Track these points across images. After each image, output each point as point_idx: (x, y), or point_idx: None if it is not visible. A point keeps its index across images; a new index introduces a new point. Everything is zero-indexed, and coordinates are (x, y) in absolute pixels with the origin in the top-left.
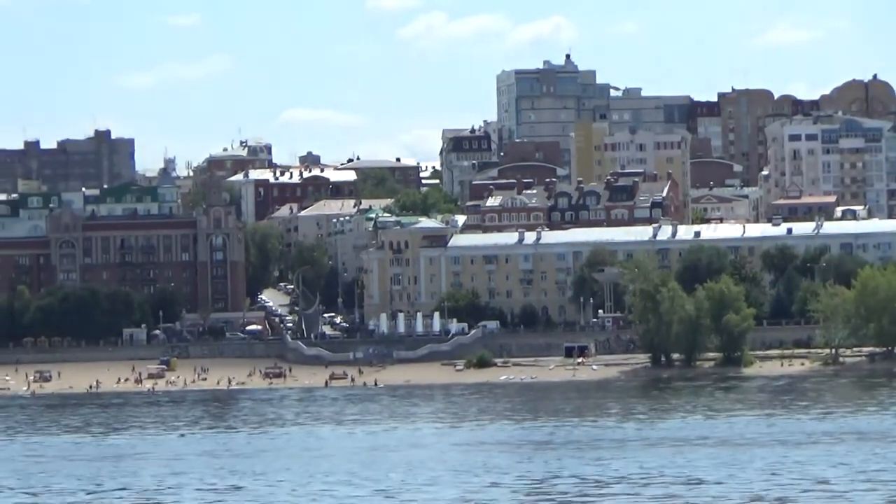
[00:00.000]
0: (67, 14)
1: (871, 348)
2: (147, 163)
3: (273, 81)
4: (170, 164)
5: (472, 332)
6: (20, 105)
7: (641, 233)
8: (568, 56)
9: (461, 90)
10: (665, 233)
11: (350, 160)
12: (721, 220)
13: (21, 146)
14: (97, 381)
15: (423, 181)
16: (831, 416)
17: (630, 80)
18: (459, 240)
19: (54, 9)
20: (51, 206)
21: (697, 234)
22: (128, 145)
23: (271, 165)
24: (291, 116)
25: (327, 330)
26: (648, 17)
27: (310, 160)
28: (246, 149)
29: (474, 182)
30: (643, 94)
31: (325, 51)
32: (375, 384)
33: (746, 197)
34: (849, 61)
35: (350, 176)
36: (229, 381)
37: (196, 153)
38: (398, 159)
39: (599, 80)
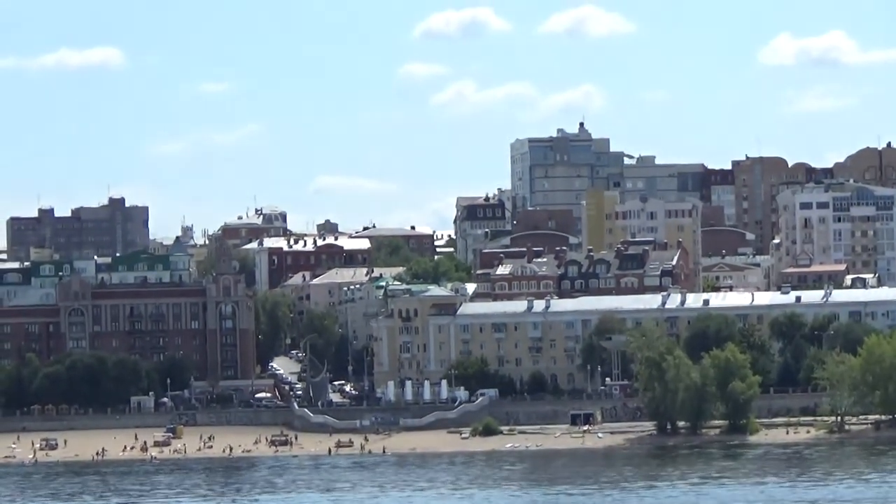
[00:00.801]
0: (99, 81)
1: (877, 416)
2: (170, 230)
3: (304, 149)
4: (187, 231)
5: (479, 399)
6: (36, 173)
7: (650, 301)
8: (582, 124)
9: (488, 158)
10: (674, 301)
11: (366, 228)
12: (731, 288)
13: (35, 213)
14: (102, 449)
15: (438, 249)
16: (813, 484)
17: (654, 146)
18: (469, 308)
19: (83, 75)
20: (61, 274)
21: (706, 302)
22: (142, 213)
23: (286, 233)
24: (323, 183)
25: (336, 398)
26: (678, 85)
27: (327, 228)
28: (261, 217)
29: (484, 250)
30: (657, 161)
31: (356, 118)
32: (384, 452)
33: (759, 265)
34: (863, 129)
35: (364, 244)
36: (230, 449)
37: (222, 221)
38: (413, 227)
39: (615, 147)
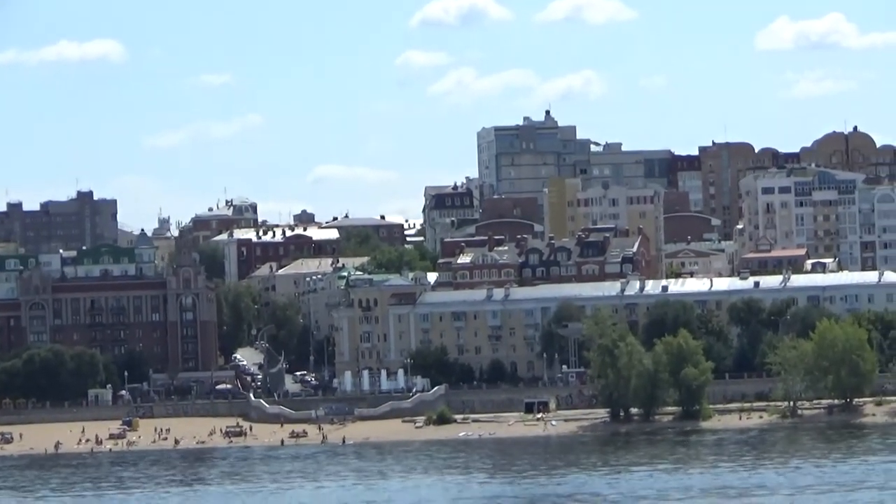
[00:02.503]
0: (99, 74)
1: (829, 401)
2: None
3: (304, 138)
4: (164, 223)
5: (435, 388)
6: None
7: (609, 288)
8: (548, 112)
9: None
10: (633, 288)
11: (335, 218)
12: (692, 274)
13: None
14: (58, 442)
15: (409, 239)
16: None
17: (651, 132)
18: (429, 297)
19: (83, 68)
20: (22, 268)
21: (665, 288)
22: (111, 206)
23: (256, 224)
24: (322, 173)
25: (297, 388)
26: (677, 71)
27: (303, 218)
28: (231, 208)
29: (446, 239)
30: (623, 148)
31: (356, 108)
32: (343, 442)
33: (723, 251)
34: (830, 114)
35: (333, 234)
36: (175, 441)
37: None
38: (382, 217)
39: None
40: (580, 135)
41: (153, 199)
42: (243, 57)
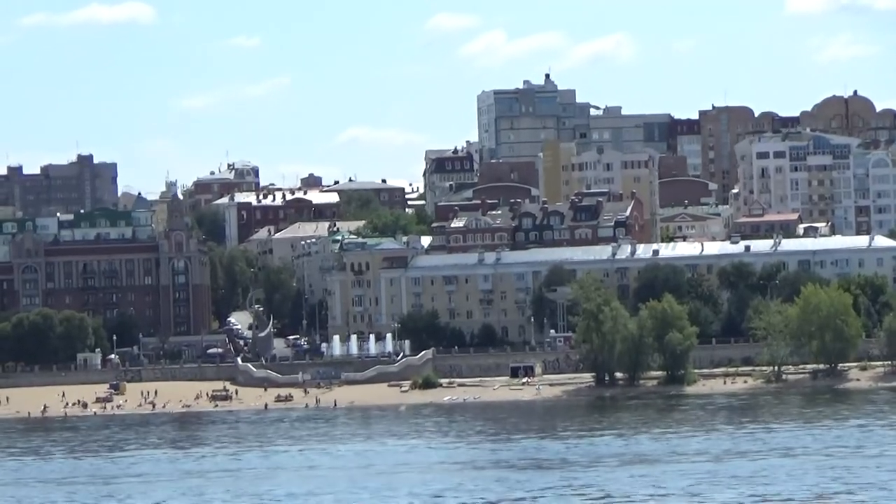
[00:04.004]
0: (130, 36)
1: (814, 365)
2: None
3: (333, 101)
4: (171, 186)
5: (422, 353)
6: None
7: (600, 252)
8: (547, 76)
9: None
10: (624, 252)
11: (336, 182)
12: (684, 238)
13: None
14: (45, 406)
15: (410, 203)
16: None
17: (677, 95)
18: (420, 261)
19: (113, 31)
20: (16, 231)
21: (656, 252)
22: (110, 169)
23: (258, 188)
24: (352, 135)
25: (289, 352)
26: (708, 33)
27: (311, 182)
28: (233, 172)
29: (439, 203)
30: (623, 112)
31: (385, 71)
32: (335, 405)
33: (719, 215)
34: (830, 78)
35: (333, 198)
36: (153, 405)
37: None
38: (384, 181)
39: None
40: (606, 97)
41: (180, 163)
42: (273, 19)
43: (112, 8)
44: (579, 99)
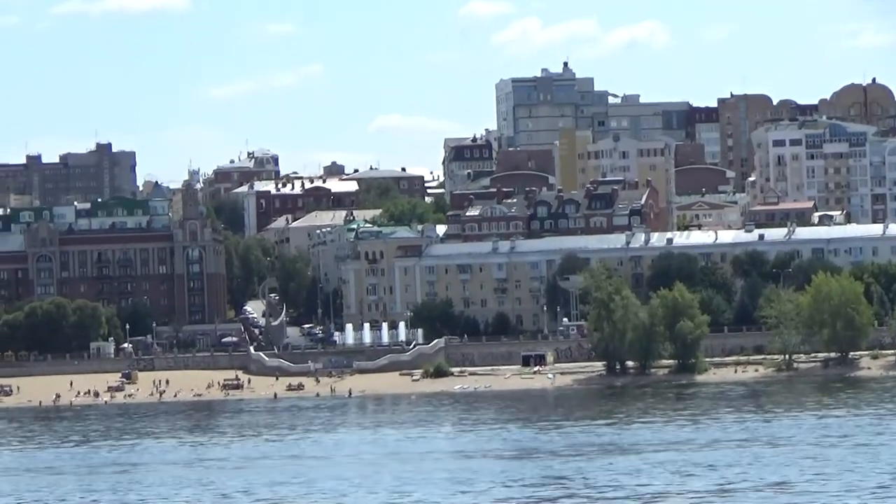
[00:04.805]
0: (163, 24)
1: (825, 354)
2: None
3: (366, 88)
4: (194, 175)
5: (434, 341)
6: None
7: (615, 240)
8: (566, 64)
9: None
10: (638, 240)
11: (356, 171)
12: (699, 227)
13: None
14: (57, 395)
15: (430, 191)
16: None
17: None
18: (434, 249)
19: (146, 18)
20: (30, 221)
21: (670, 241)
22: (129, 158)
23: (277, 177)
24: (384, 123)
25: (303, 341)
26: (742, 20)
27: (333, 170)
28: (253, 160)
29: (455, 192)
30: (641, 100)
31: (418, 58)
32: (350, 394)
33: (736, 203)
34: (849, 66)
35: (353, 187)
36: (160, 393)
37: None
38: (403, 169)
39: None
40: (636, 84)
41: (209, 151)
42: (306, 6)
43: None
44: (612, 86)
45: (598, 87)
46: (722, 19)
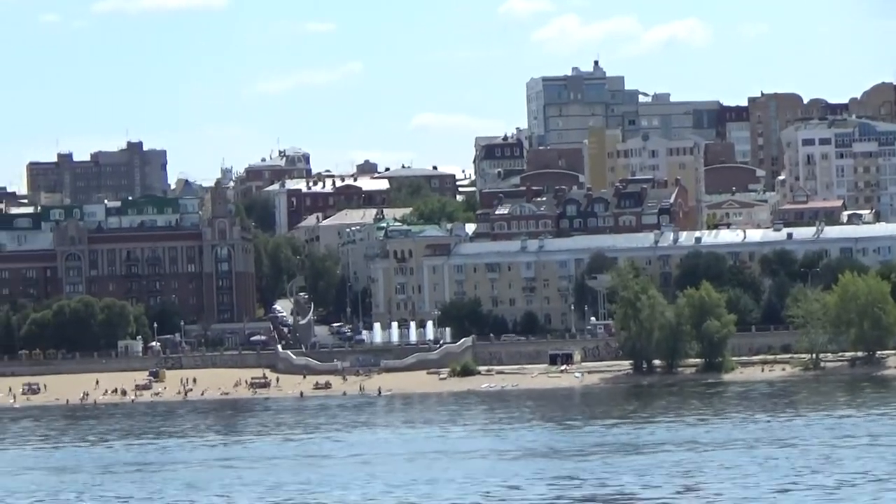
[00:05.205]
0: (201, 22)
1: (852, 353)
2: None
3: (405, 86)
4: (226, 173)
5: (462, 340)
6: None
7: (643, 239)
8: (596, 62)
9: None
10: (667, 239)
11: (387, 168)
12: (728, 226)
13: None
14: (85, 393)
15: (461, 189)
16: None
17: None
18: (463, 248)
19: (185, 16)
20: (60, 219)
21: (698, 240)
22: (160, 156)
23: (308, 175)
24: (423, 121)
25: (332, 340)
26: (778, 18)
27: (366, 168)
28: (284, 158)
29: (484, 190)
30: (672, 99)
31: (457, 55)
32: (379, 393)
33: (766, 202)
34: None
35: (384, 185)
36: (186, 392)
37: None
38: (434, 167)
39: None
40: (674, 82)
41: (246, 149)
42: (347, 5)
43: None
44: (647, 85)
45: (633, 85)
46: (761, 17)
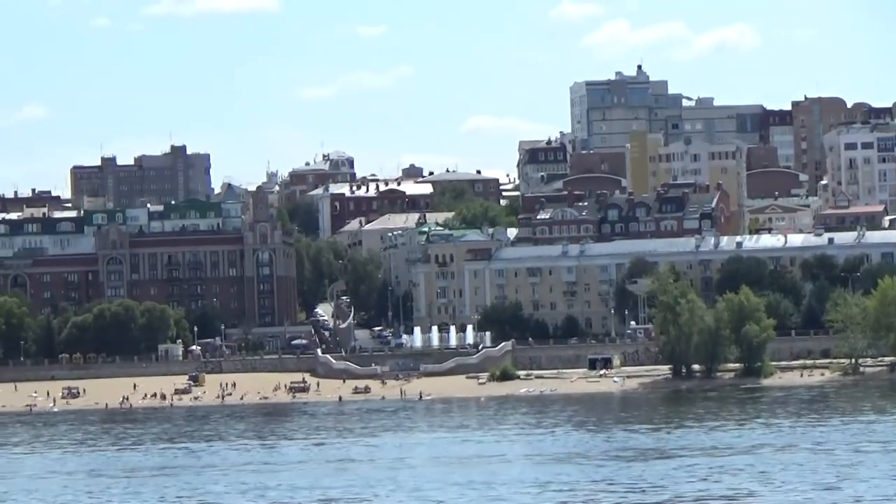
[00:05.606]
0: (253, 25)
1: (892, 358)
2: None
3: (456, 90)
4: (272, 177)
5: (501, 344)
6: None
7: (684, 244)
8: (640, 67)
9: None
10: (708, 244)
11: (431, 173)
12: (769, 230)
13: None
14: (125, 397)
15: (505, 193)
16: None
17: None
18: (504, 253)
19: (237, 20)
20: (102, 223)
21: (739, 244)
22: (203, 160)
23: (352, 179)
24: (475, 125)
25: (373, 344)
26: (826, 22)
27: (412, 172)
28: (328, 162)
29: (527, 195)
30: (719, 103)
31: (508, 59)
32: (421, 397)
33: (809, 206)
34: None
35: (427, 189)
36: (223, 396)
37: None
38: (478, 171)
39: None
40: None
41: (293, 151)
42: (398, 8)
43: None
44: (693, 89)
45: (682, 90)
46: (809, 21)
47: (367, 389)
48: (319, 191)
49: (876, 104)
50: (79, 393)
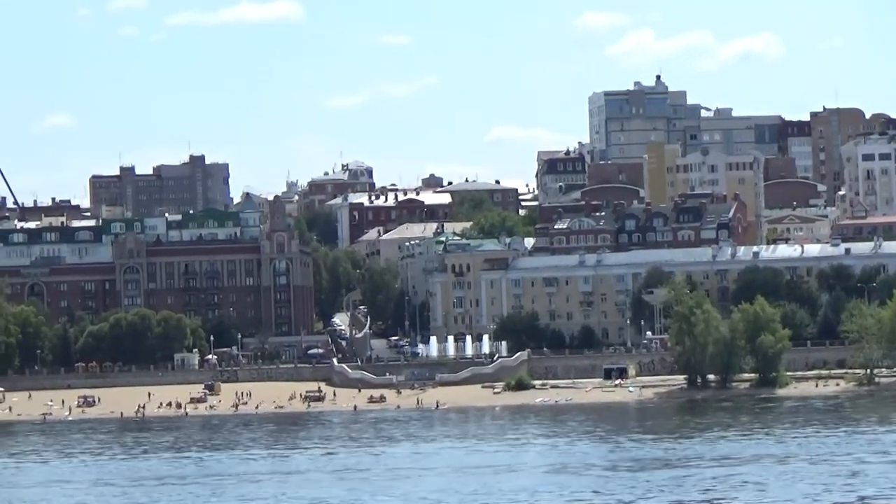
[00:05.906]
0: (279, 35)
1: None
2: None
3: (480, 100)
4: (292, 186)
5: (517, 354)
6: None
7: (700, 254)
8: (658, 77)
9: None
10: (724, 254)
11: (449, 182)
12: (786, 241)
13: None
14: (140, 406)
15: (524, 203)
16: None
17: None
18: (521, 263)
19: (263, 29)
20: (134, 231)
21: (756, 254)
22: (222, 170)
23: (371, 189)
24: (499, 135)
25: (389, 353)
26: (855, 31)
27: (431, 182)
28: (347, 172)
29: (544, 205)
30: (738, 113)
31: (533, 69)
32: (437, 406)
33: (826, 217)
34: None
35: (446, 199)
36: (236, 406)
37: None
38: (497, 181)
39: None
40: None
41: (314, 161)
42: (423, 18)
43: (262, 7)
44: (728, 100)
45: (700, 100)
46: (836, 30)
47: (382, 399)
48: (338, 200)
49: (895, 115)
50: (94, 402)
